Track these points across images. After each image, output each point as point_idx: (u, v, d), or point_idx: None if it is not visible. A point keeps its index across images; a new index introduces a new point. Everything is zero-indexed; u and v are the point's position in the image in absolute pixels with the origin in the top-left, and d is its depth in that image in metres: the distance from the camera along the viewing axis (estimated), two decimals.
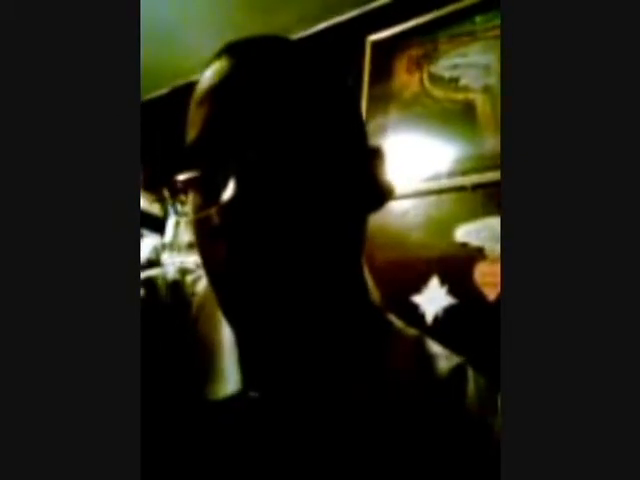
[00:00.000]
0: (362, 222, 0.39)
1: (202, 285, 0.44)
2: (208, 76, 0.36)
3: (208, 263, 0.36)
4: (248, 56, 0.36)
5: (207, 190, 0.35)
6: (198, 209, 0.35)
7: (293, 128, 0.33)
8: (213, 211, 0.33)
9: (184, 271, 0.46)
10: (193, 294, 0.44)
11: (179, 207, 0.37)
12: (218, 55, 0.37)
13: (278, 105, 0.34)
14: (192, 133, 0.35)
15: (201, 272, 0.46)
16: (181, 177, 0.36)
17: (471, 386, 0.41)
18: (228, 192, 0.32)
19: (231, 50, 0.37)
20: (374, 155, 0.42)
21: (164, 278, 0.44)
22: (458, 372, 0.42)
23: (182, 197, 0.38)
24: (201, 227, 0.35)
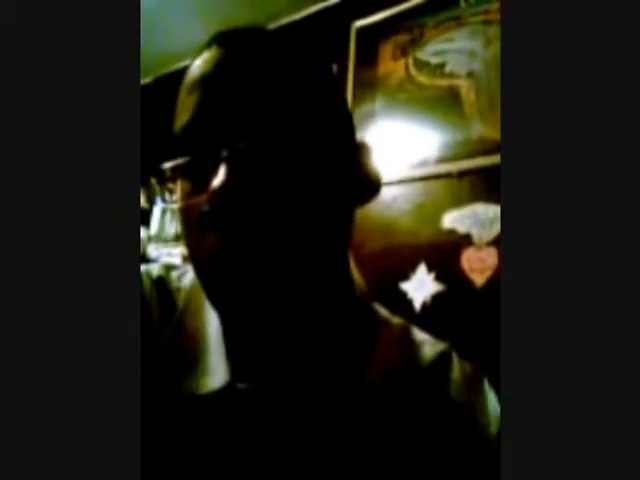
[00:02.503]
0: (350, 215, 0.39)
1: (187, 280, 0.44)
2: (198, 64, 0.36)
3: (195, 251, 0.36)
4: (239, 45, 0.36)
5: (196, 177, 0.35)
6: (187, 196, 0.35)
7: (284, 117, 0.33)
8: (203, 198, 0.33)
9: (169, 267, 0.46)
10: (178, 289, 0.43)
11: (167, 195, 0.37)
12: (208, 44, 0.37)
13: (269, 94, 0.34)
14: (182, 120, 0.35)
15: (186, 267, 0.45)
16: (170, 164, 0.36)
17: (456, 372, 0.42)
18: (218, 179, 0.31)
19: (222, 39, 0.37)
20: (362, 149, 0.42)
21: (149, 274, 0.44)
22: (443, 359, 0.43)
23: (170, 185, 0.37)
24: (190, 214, 0.35)
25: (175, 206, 0.35)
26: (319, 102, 0.36)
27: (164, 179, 0.37)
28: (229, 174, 0.32)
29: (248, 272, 0.32)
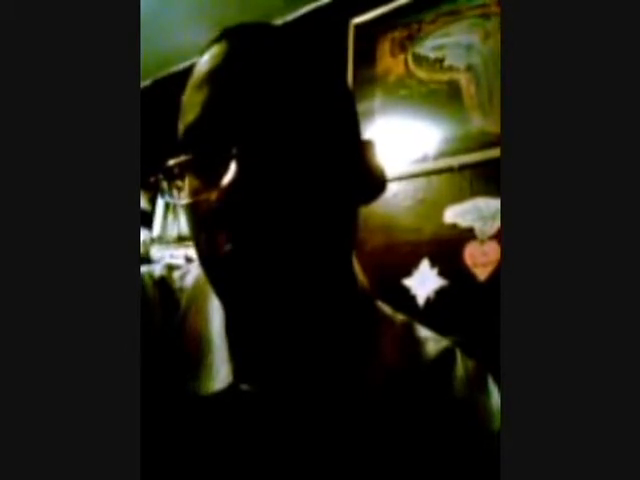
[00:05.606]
0: (355, 214, 0.39)
1: (190, 280, 0.44)
2: (206, 60, 0.36)
3: (204, 247, 0.36)
4: (247, 40, 0.35)
5: (205, 174, 0.34)
6: (195, 193, 0.35)
7: (293, 113, 0.33)
8: (212, 195, 0.32)
9: (171, 267, 0.46)
10: (181, 289, 0.43)
11: (174, 192, 0.36)
12: (216, 40, 0.37)
13: (279, 90, 0.33)
14: (190, 116, 0.35)
15: (188, 267, 0.46)
16: (177, 160, 0.35)
17: (459, 368, 0.42)
18: (229, 176, 0.31)
19: (229, 35, 0.36)
20: (367, 147, 0.42)
21: (151, 275, 0.44)
22: (447, 355, 0.43)
23: (177, 182, 0.37)
24: (198, 211, 0.35)
25: (182, 203, 0.36)
26: (326, 99, 0.36)
27: (172, 176, 0.37)
28: (240, 171, 0.31)
29: (257, 269, 0.32)
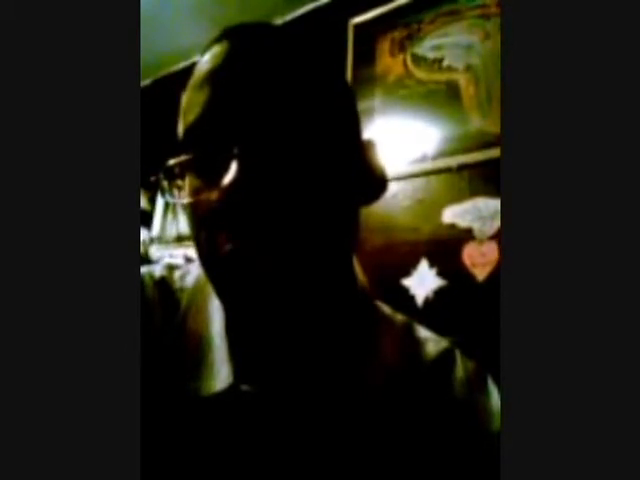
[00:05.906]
0: (355, 214, 0.39)
1: (190, 280, 0.44)
2: (207, 60, 0.36)
3: (204, 247, 0.36)
4: (248, 40, 0.35)
5: (206, 173, 0.34)
6: (196, 192, 0.35)
7: (294, 113, 0.33)
8: (213, 195, 0.33)
9: (171, 267, 0.46)
10: (181, 289, 0.43)
11: (175, 192, 0.36)
12: (217, 40, 0.37)
13: (280, 90, 0.33)
14: (191, 115, 0.35)
15: (188, 267, 0.45)
16: (177, 160, 0.35)
17: (459, 369, 0.42)
18: (229, 176, 0.31)
19: (231, 35, 0.36)
20: (368, 147, 0.42)
21: (151, 275, 0.44)
22: (446, 356, 0.43)
23: (178, 182, 0.37)
24: (199, 211, 0.35)
25: (183, 202, 0.36)
26: (327, 98, 0.36)
27: (172, 175, 0.37)
28: (240, 171, 0.31)
29: (257, 269, 0.32)
